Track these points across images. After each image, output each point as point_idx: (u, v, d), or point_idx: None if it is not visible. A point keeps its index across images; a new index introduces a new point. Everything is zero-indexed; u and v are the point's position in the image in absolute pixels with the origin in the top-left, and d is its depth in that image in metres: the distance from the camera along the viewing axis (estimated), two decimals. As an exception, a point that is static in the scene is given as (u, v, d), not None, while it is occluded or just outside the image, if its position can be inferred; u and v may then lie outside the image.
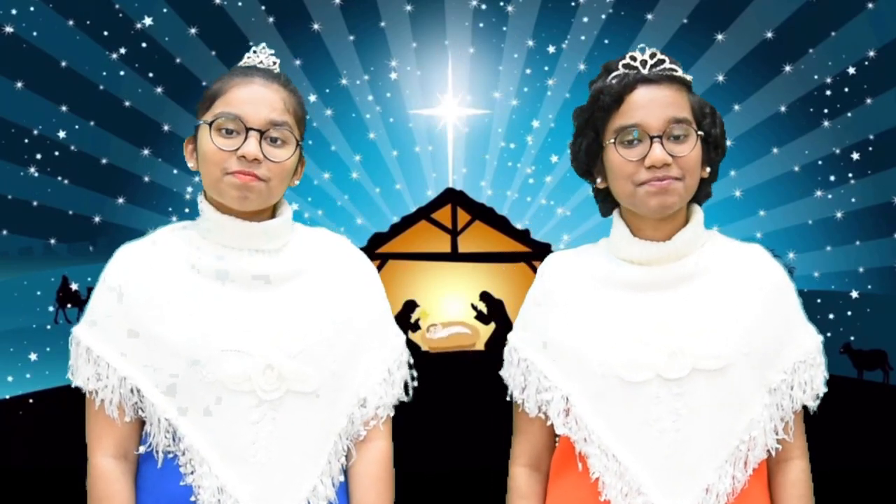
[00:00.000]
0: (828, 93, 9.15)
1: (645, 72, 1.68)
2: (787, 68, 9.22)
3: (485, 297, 8.71)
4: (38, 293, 8.63)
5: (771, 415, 1.70)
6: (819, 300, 8.45)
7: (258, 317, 1.66)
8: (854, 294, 9.07)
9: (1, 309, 8.34)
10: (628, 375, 1.65)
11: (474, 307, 8.72)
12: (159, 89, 8.75)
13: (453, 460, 4.93)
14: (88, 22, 8.84)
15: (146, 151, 8.98)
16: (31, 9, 8.60)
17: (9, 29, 8.52)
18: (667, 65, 1.68)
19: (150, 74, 8.90)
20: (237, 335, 1.64)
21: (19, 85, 8.69)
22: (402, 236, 9.25)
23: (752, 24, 9.11)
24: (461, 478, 4.59)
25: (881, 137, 8.99)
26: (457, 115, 9.67)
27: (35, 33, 8.65)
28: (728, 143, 1.77)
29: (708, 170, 1.72)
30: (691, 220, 1.72)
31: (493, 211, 9.34)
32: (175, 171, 8.80)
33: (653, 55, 1.69)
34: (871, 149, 9.09)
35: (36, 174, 8.85)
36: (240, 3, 9.18)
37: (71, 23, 8.78)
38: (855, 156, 9.16)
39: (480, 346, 8.80)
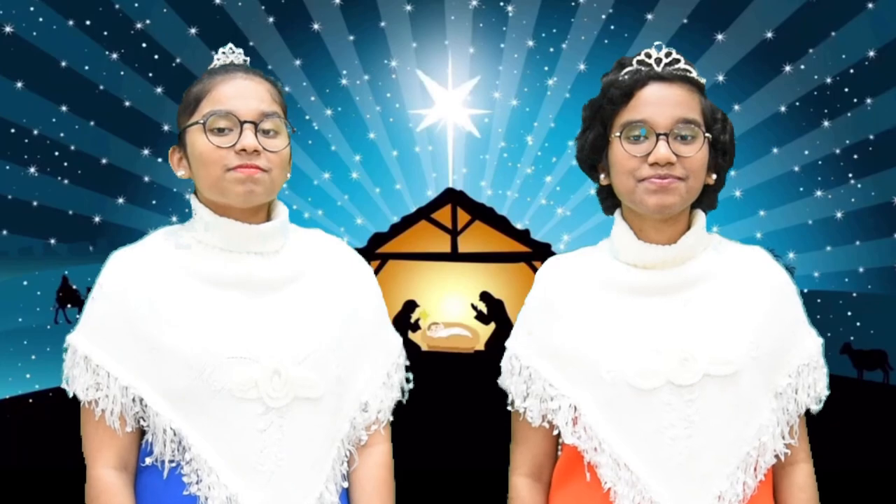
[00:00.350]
0: (828, 93, 9.15)
1: (658, 69, 1.67)
2: (787, 68, 9.21)
3: (485, 297, 8.70)
4: (38, 293, 8.62)
5: (778, 419, 1.69)
6: (819, 300, 8.44)
7: (262, 322, 1.63)
8: (854, 294, 9.07)
9: (1, 309, 8.34)
10: (639, 382, 1.62)
11: (474, 307, 8.72)
12: (159, 89, 8.75)
13: (453, 460, 4.93)
14: (88, 22, 8.83)
15: (146, 151, 8.97)
16: (31, 9, 8.60)
17: (9, 29, 8.51)
18: (681, 65, 1.68)
19: (150, 74, 8.90)
20: (242, 342, 1.61)
21: (19, 85, 8.68)
22: (402, 236, 9.24)
23: (752, 24, 9.11)
24: (461, 478, 4.59)
25: (881, 137, 8.98)
26: (457, 115, 9.67)
27: (35, 33, 8.65)
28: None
29: (714, 176, 1.71)
30: (694, 223, 1.71)
31: (493, 211, 9.33)
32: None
33: (668, 54, 1.68)
34: (871, 149, 9.08)
35: (36, 174, 8.85)
36: (240, 3, 9.18)
37: (71, 23, 8.77)
38: (855, 156, 9.16)
39: (480, 347, 8.80)
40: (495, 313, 8.64)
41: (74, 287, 8.51)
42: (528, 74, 9.72)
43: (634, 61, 1.69)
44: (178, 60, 8.84)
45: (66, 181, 8.97)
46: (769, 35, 9.13)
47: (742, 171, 8.96)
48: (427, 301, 8.95)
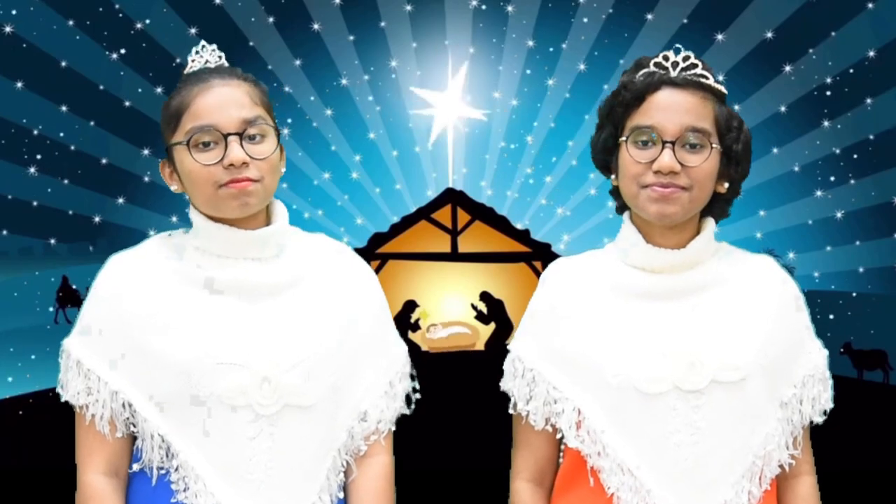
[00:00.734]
0: (828, 93, 9.15)
1: (673, 74, 1.64)
2: (787, 68, 9.22)
3: (485, 297, 8.70)
4: (38, 293, 8.63)
5: (783, 429, 1.67)
6: (819, 300, 8.44)
7: (254, 328, 1.60)
8: (854, 294, 9.07)
9: (1, 309, 8.34)
10: (645, 387, 1.60)
11: (474, 307, 8.72)
12: (159, 89, 8.75)
13: (453, 460, 4.93)
14: (88, 22, 8.84)
15: (146, 151, 8.98)
16: (31, 9, 8.60)
17: (9, 29, 8.52)
18: (698, 70, 1.64)
19: (150, 74, 8.90)
20: (232, 348, 1.58)
21: (19, 85, 8.69)
22: (402, 236, 9.24)
23: (752, 24, 9.11)
24: (461, 478, 4.59)
25: (881, 137, 8.99)
26: (457, 115, 9.67)
27: (35, 33, 8.65)
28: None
29: (726, 185, 1.68)
30: (703, 230, 1.68)
31: (493, 211, 9.33)
32: (175, 171, 8.77)
33: (686, 58, 1.65)
34: (871, 149, 9.08)
35: (36, 174, 8.85)
36: (240, 3, 9.18)
37: (71, 23, 8.78)
38: (855, 156, 9.16)
39: (480, 347, 8.80)
40: (495, 313, 8.64)
41: (74, 287, 8.51)
42: (528, 74, 9.73)
43: (652, 63, 1.66)
44: (178, 60, 8.83)
45: (66, 181, 8.97)
46: (769, 35, 9.13)
47: (742, 171, 8.96)
48: (427, 301, 8.95)
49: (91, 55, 8.89)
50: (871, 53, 8.98)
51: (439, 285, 9.19)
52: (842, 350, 7.77)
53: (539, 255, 9.03)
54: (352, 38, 9.59)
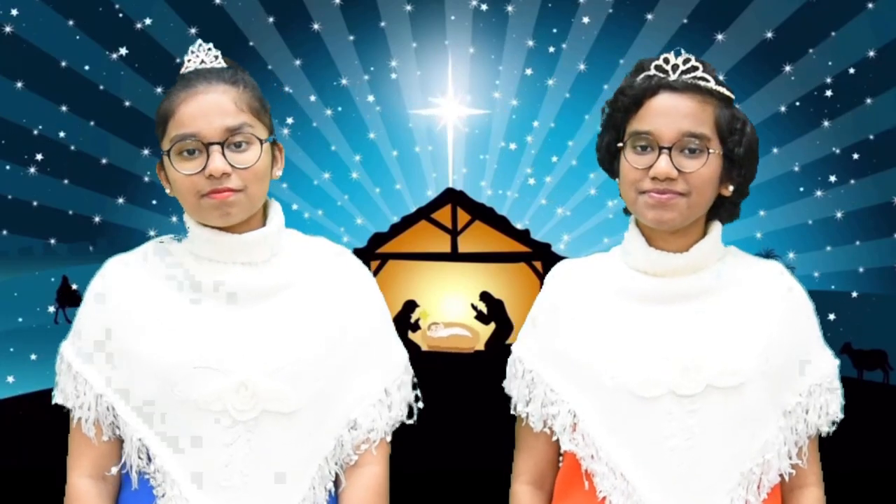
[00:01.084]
0: (828, 93, 9.15)
1: (672, 78, 1.61)
2: (787, 68, 9.21)
3: (485, 297, 8.70)
4: (38, 293, 8.62)
5: (785, 438, 1.64)
6: (819, 300, 8.42)
7: (236, 333, 1.58)
8: (854, 294, 9.07)
9: (1, 309, 8.34)
10: (640, 390, 1.58)
11: (474, 307, 8.72)
12: (159, 89, 8.75)
13: (452, 460, 4.93)
14: (88, 22, 8.83)
15: (146, 151, 8.98)
16: (31, 9, 8.60)
17: (9, 29, 8.51)
18: (698, 73, 1.61)
19: (150, 74, 8.90)
20: (211, 352, 1.56)
21: (19, 85, 8.68)
22: (402, 236, 9.24)
23: (752, 24, 9.11)
24: (461, 478, 4.59)
25: (881, 137, 8.98)
26: (457, 115, 9.66)
27: (35, 33, 8.65)
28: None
29: (731, 188, 1.65)
30: (709, 233, 1.66)
31: (493, 211, 9.33)
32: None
33: (686, 61, 1.62)
34: (871, 149, 9.08)
35: (36, 174, 8.85)
36: (240, 3, 9.18)
37: (71, 23, 8.77)
38: (855, 156, 9.16)
39: (480, 347, 8.80)
40: (495, 313, 8.64)
41: (74, 287, 8.51)
42: (528, 74, 9.73)
43: (652, 66, 1.63)
44: (178, 60, 8.83)
45: (66, 181, 8.97)
46: (769, 35, 9.13)
47: (742, 172, 8.96)
48: (427, 301, 8.94)
49: (91, 55, 8.88)
50: (871, 53, 8.98)
51: (439, 285, 9.19)
52: (842, 350, 7.77)
53: (539, 255, 9.03)
54: (352, 38, 9.59)
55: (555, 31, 9.58)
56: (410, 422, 1.73)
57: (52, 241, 9.11)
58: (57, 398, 1.64)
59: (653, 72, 1.63)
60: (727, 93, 1.65)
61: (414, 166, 9.90)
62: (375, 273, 9.29)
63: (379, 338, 1.71)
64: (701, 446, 1.58)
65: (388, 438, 1.71)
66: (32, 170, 8.83)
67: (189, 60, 1.64)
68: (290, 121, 9.45)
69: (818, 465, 1.71)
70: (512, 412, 1.74)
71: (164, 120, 1.60)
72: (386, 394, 1.69)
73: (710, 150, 1.60)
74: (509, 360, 1.75)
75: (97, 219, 9.09)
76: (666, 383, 1.58)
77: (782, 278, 1.71)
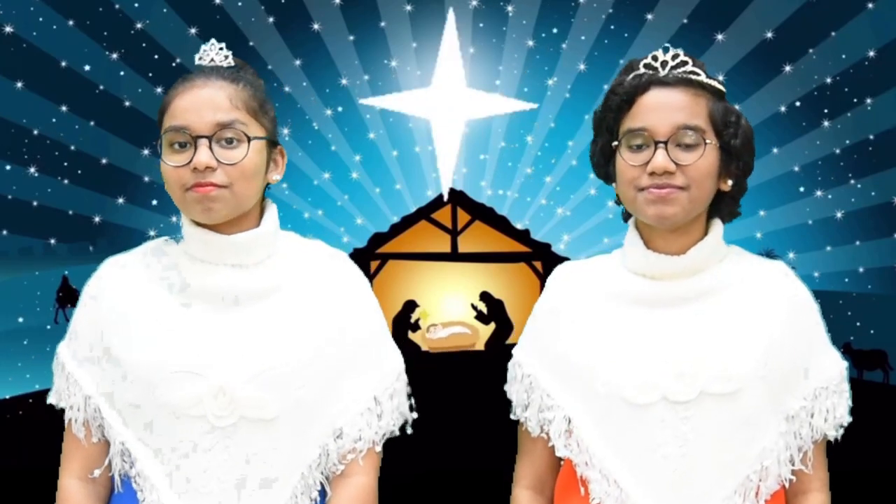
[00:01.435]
0: (828, 93, 9.15)
1: (662, 73, 1.60)
2: (787, 68, 9.21)
3: (485, 297, 8.71)
4: (38, 293, 8.62)
5: (787, 443, 1.61)
6: (819, 300, 8.43)
7: (218, 337, 1.56)
8: (854, 294, 9.06)
9: (1, 309, 8.34)
10: (633, 397, 1.56)
11: (474, 307, 8.72)
12: (159, 89, 8.75)
13: (452, 461, 4.93)
14: (88, 22, 8.83)
15: (146, 151, 8.97)
16: (31, 9, 8.60)
17: (9, 29, 8.51)
18: (688, 67, 1.60)
19: (150, 74, 8.90)
20: (192, 357, 1.54)
21: (19, 85, 8.68)
22: (402, 236, 9.24)
23: (752, 24, 9.10)
24: (460, 478, 4.59)
25: (881, 137, 8.98)
26: (457, 114, 9.65)
27: (35, 33, 8.65)
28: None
29: (730, 183, 1.63)
30: (710, 233, 1.63)
31: (493, 211, 9.33)
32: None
33: (675, 56, 1.61)
34: (871, 149, 9.08)
35: (36, 174, 8.84)
36: (240, 3, 9.17)
37: (71, 23, 8.77)
38: (855, 156, 9.16)
39: (480, 346, 8.80)
40: (495, 313, 8.64)
41: (74, 287, 8.51)
42: (528, 74, 9.72)
43: (641, 65, 1.62)
44: (178, 60, 8.84)
45: (66, 181, 8.96)
46: (769, 35, 9.13)
47: (742, 171, 8.96)
48: (427, 301, 8.95)
49: (91, 55, 8.88)
50: (871, 53, 8.97)
51: (439, 285, 9.19)
52: (842, 350, 7.76)
53: (539, 255, 9.03)
54: (352, 38, 9.58)
55: (555, 31, 9.57)
56: (398, 433, 1.68)
57: (52, 241, 9.11)
58: (51, 398, 1.64)
59: (642, 70, 1.62)
60: (719, 86, 1.64)
61: (414, 166, 9.89)
62: (375, 273, 9.32)
63: (371, 344, 1.67)
64: (695, 453, 1.56)
65: (378, 448, 1.66)
66: (32, 170, 8.82)
67: (199, 58, 1.65)
68: (290, 121, 9.45)
69: (824, 470, 1.68)
70: (512, 416, 1.73)
71: (161, 112, 1.61)
72: (376, 402, 1.65)
73: (707, 142, 1.58)
74: (510, 363, 1.74)
75: (97, 219, 9.08)
76: (660, 388, 1.56)
77: (786, 279, 1.69)
